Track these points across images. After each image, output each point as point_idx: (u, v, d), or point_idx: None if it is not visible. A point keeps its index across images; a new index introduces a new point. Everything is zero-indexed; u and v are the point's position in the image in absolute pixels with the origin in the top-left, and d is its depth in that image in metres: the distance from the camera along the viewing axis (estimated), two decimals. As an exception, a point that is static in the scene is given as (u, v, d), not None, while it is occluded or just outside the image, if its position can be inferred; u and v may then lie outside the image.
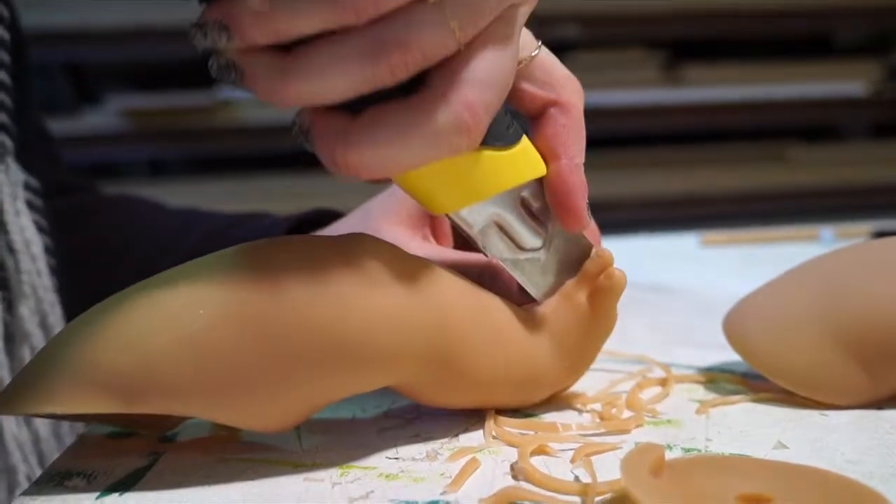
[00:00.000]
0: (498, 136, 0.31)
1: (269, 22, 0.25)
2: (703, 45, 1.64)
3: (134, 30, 1.43)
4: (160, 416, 0.33)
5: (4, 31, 0.44)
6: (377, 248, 0.31)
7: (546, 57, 0.35)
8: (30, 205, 0.45)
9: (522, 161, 0.33)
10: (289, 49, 0.26)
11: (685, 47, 1.61)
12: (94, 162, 1.64)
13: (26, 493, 0.30)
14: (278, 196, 1.39)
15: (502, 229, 0.34)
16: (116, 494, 0.30)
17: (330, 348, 0.30)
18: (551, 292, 0.36)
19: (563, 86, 0.34)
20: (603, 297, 0.35)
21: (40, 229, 0.45)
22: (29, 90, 0.49)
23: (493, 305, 0.34)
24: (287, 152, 1.41)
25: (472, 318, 0.33)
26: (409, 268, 0.32)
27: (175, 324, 0.29)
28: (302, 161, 1.36)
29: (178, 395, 0.29)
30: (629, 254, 0.71)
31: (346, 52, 0.26)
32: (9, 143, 0.43)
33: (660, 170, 1.60)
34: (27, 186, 0.45)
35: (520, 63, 0.33)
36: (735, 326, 0.39)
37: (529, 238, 0.34)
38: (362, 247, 0.31)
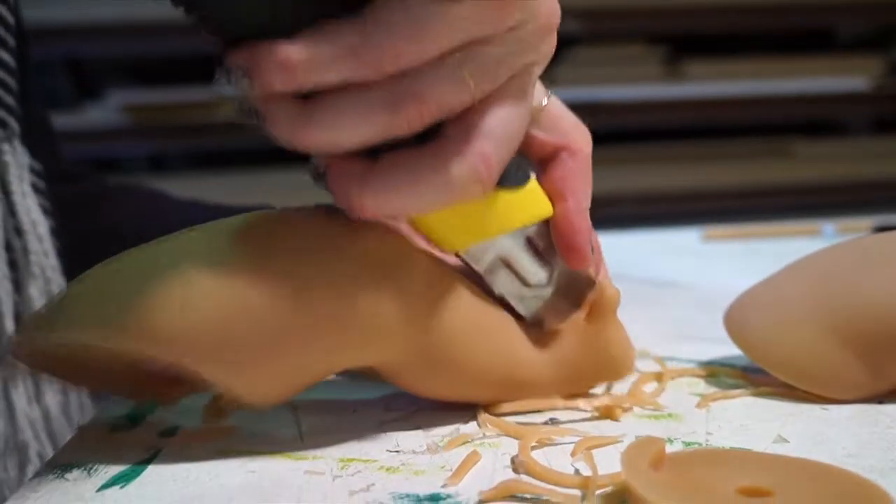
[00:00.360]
0: (507, 177, 0.32)
1: (291, 73, 0.26)
2: (705, 40, 1.64)
3: (134, 25, 1.43)
4: (166, 379, 0.34)
5: (8, 14, 0.44)
6: (385, 235, 0.32)
7: (555, 105, 0.36)
8: (34, 188, 0.45)
9: (530, 202, 0.34)
10: (309, 96, 0.27)
11: (687, 42, 1.61)
12: (95, 157, 1.64)
13: (27, 485, 0.30)
14: (279, 191, 1.39)
15: (508, 266, 0.35)
16: (117, 487, 0.30)
17: (323, 321, 0.31)
18: (555, 324, 0.36)
19: (571, 132, 0.36)
20: (598, 314, 0.36)
21: (45, 212, 0.46)
22: (30, 80, 0.50)
23: (489, 306, 0.35)
24: (287, 147, 1.41)
25: (467, 314, 0.34)
26: (412, 255, 0.33)
27: (188, 281, 0.30)
28: (303, 157, 1.36)
29: (181, 345, 0.30)
30: (631, 248, 0.71)
31: (365, 103, 0.27)
32: (14, 125, 0.44)
33: (661, 165, 1.60)
34: (31, 170, 0.45)
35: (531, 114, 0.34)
36: (736, 320, 0.39)
37: (535, 275, 0.35)
38: (373, 232, 0.32)
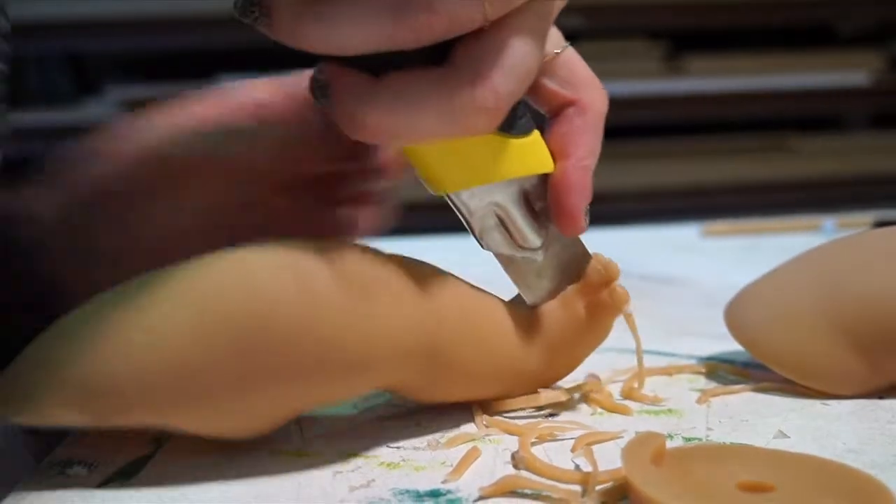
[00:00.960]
0: (510, 123, 0.31)
1: None
2: (706, 35, 1.63)
3: (134, 20, 1.43)
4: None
5: None
6: (362, 255, 0.31)
7: (571, 56, 0.35)
8: None
9: (530, 153, 0.32)
10: None
11: (687, 38, 1.61)
12: (95, 153, 1.64)
13: (27, 482, 0.30)
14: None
15: (502, 223, 0.33)
16: (118, 483, 0.30)
17: (314, 360, 0.29)
18: (544, 297, 0.35)
19: (584, 87, 0.34)
20: (602, 312, 0.35)
21: None
22: None
23: (487, 304, 0.34)
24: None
25: (464, 319, 0.33)
26: (396, 272, 0.31)
27: (151, 338, 0.28)
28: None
29: (156, 409, 0.29)
30: (630, 244, 0.71)
31: (371, 4, 0.26)
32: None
33: (662, 160, 1.60)
34: None
35: (545, 58, 0.32)
36: (736, 316, 0.39)
37: (528, 236, 0.34)
38: (347, 254, 0.31)
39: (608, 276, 0.35)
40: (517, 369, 0.35)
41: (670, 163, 1.59)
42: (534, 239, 0.34)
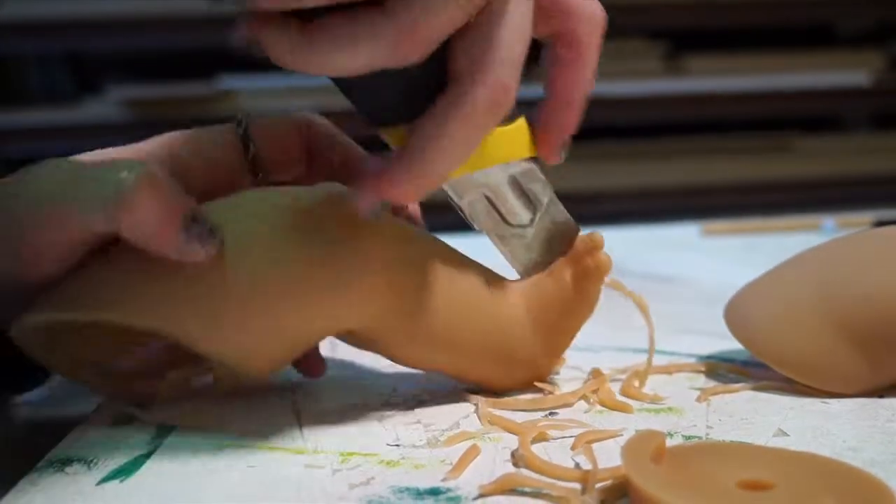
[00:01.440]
0: None
1: None
2: (706, 35, 1.63)
3: (134, 19, 1.43)
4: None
5: None
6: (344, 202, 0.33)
7: None
8: None
9: (516, 139, 0.34)
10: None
11: (687, 37, 1.61)
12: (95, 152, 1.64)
13: (26, 479, 0.30)
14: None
15: (490, 203, 0.35)
16: (117, 481, 0.30)
17: (297, 276, 0.32)
18: (533, 270, 0.36)
19: (573, 14, 0.34)
20: (587, 279, 0.36)
21: None
22: None
23: (468, 266, 0.35)
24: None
25: (445, 274, 0.34)
26: (385, 224, 0.33)
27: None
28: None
29: (167, 315, 0.31)
30: (630, 243, 0.71)
31: (362, 34, 0.27)
32: None
33: (662, 160, 1.59)
34: None
35: None
36: (736, 315, 0.39)
37: (517, 215, 0.35)
38: (344, 208, 0.33)
39: (593, 244, 0.36)
40: (505, 341, 0.35)
41: (670, 162, 1.59)
42: (522, 217, 0.35)
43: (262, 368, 0.33)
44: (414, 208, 0.40)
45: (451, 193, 0.34)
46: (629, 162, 1.57)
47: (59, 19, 1.41)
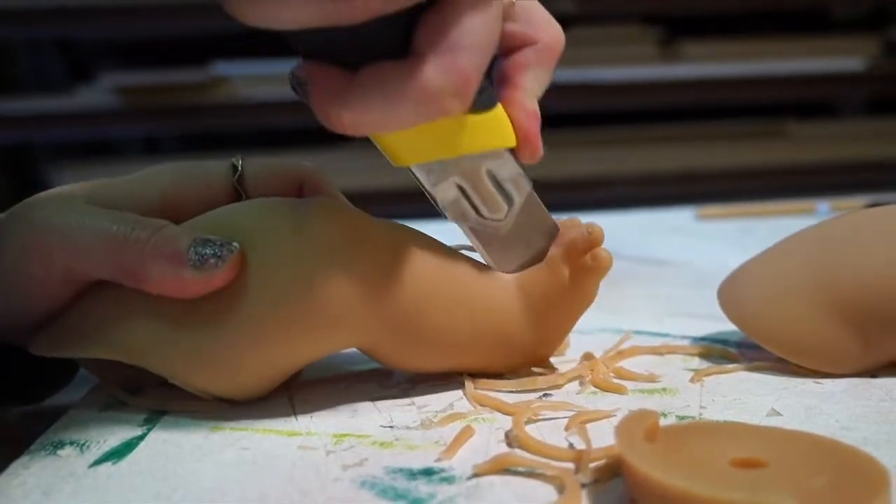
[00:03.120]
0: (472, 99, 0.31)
1: None
2: (700, 20, 1.63)
3: (126, 6, 1.42)
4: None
5: None
6: (333, 213, 0.33)
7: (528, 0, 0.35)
8: None
9: (492, 128, 0.32)
10: None
11: (682, 23, 1.60)
12: (88, 140, 1.63)
13: (19, 462, 0.30)
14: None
15: (463, 193, 0.34)
16: (110, 463, 0.30)
17: (289, 314, 0.32)
18: (510, 267, 0.36)
19: (542, 28, 0.35)
20: (586, 276, 0.35)
21: None
22: None
23: (458, 265, 0.35)
24: (281, 128, 1.41)
25: (434, 279, 0.34)
26: (367, 232, 0.33)
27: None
28: (296, 137, 1.36)
29: (157, 355, 0.32)
30: (626, 228, 0.71)
31: None
32: None
33: (657, 146, 1.59)
34: None
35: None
36: (730, 295, 0.39)
37: (491, 207, 0.34)
38: (319, 211, 0.33)
39: (593, 241, 0.35)
40: (500, 335, 0.35)
41: (665, 148, 1.59)
42: (496, 210, 0.34)
43: (250, 398, 0.34)
44: None
45: (422, 180, 0.33)
46: (624, 147, 1.57)
47: (51, 6, 1.40)
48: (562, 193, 1.40)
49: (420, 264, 0.34)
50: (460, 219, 0.34)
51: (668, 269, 0.58)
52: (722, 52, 1.58)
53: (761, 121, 1.65)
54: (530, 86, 0.34)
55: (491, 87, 0.32)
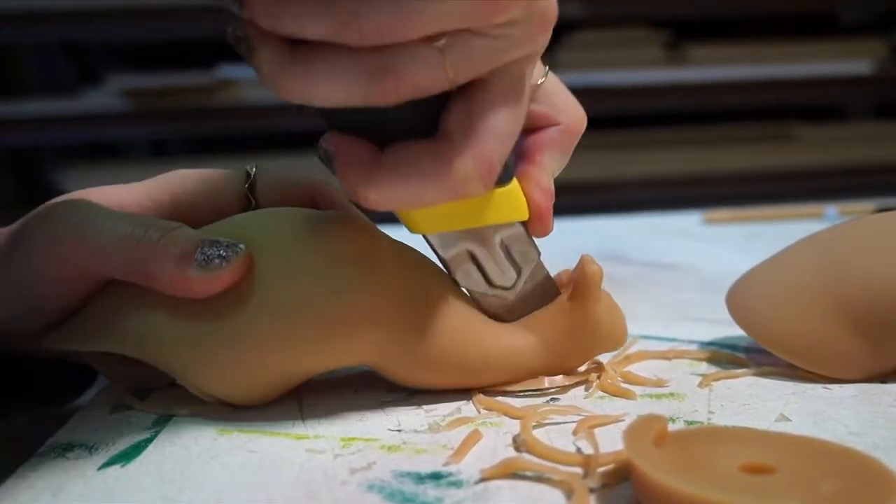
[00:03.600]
0: None
1: (275, 17, 0.26)
2: (707, 24, 1.63)
3: (134, 9, 1.43)
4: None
5: None
6: (349, 228, 0.33)
7: (552, 81, 0.37)
8: None
9: (507, 202, 0.33)
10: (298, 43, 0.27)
11: (689, 26, 1.60)
12: (95, 142, 1.64)
13: (28, 464, 0.30)
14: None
15: (475, 261, 0.34)
16: (118, 466, 0.30)
17: (301, 325, 0.32)
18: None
19: (565, 110, 0.37)
20: (581, 293, 0.35)
21: None
22: None
23: (467, 302, 0.35)
24: (287, 131, 1.41)
25: (445, 311, 0.34)
26: (380, 250, 0.34)
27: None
28: (302, 141, 1.36)
29: (170, 352, 0.33)
30: (633, 231, 0.70)
31: (343, 66, 0.27)
32: None
33: (663, 149, 1.59)
34: None
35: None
36: (738, 300, 0.39)
37: (500, 276, 0.35)
38: (335, 226, 0.33)
39: (583, 264, 0.35)
40: (511, 362, 0.35)
41: (672, 151, 1.59)
42: (506, 279, 0.35)
43: (256, 404, 0.34)
44: None
45: (435, 246, 0.34)
46: (630, 150, 1.57)
47: (58, 9, 1.40)
48: (568, 197, 1.39)
49: (432, 290, 0.34)
50: (470, 285, 0.35)
51: (675, 273, 0.57)
52: (729, 56, 1.57)
53: (768, 124, 1.65)
54: (548, 164, 0.36)
55: (510, 163, 0.33)
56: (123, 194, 0.36)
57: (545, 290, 0.36)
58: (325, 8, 0.26)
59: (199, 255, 0.31)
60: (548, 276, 0.36)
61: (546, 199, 0.34)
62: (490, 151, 0.29)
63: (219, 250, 0.32)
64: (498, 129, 0.29)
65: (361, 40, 0.26)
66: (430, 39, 0.27)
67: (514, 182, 0.33)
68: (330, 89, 0.27)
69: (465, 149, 0.29)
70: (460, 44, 0.27)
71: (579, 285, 0.35)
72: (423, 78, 0.27)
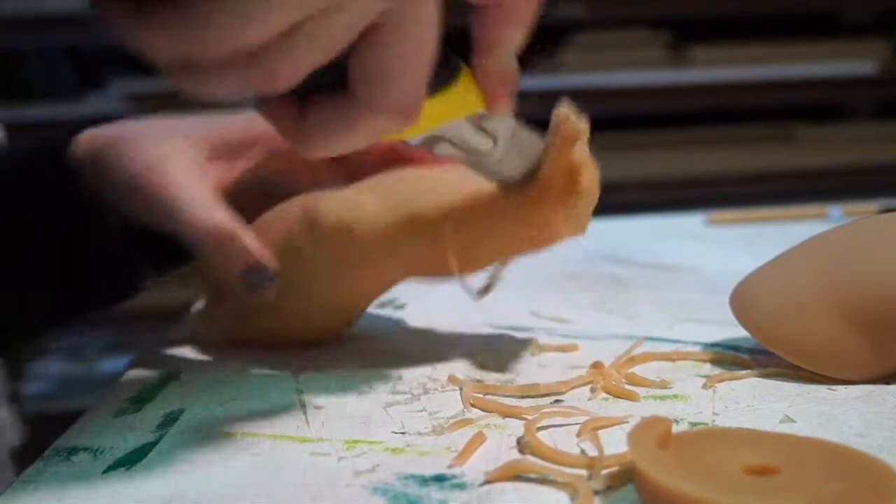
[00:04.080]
0: (432, 83, 0.30)
1: (147, 49, 0.28)
2: (709, 24, 1.63)
3: (137, 13, 1.43)
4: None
5: None
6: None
7: None
8: None
9: (455, 102, 0.33)
10: None
11: (691, 27, 1.60)
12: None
13: (33, 468, 0.30)
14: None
15: (451, 142, 0.34)
16: (123, 469, 0.30)
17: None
18: (515, 181, 0.37)
19: None
20: (560, 145, 0.36)
21: None
22: None
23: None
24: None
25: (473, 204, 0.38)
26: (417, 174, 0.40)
27: None
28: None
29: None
30: (636, 233, 0.70)
31: (227, 75, 0.27)
32: None
33: (666, 151, 1.59)
34: None
35: None
36: (742, 301, 0.39)
37: (476, 147, 0.35)
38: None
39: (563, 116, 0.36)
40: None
41: (675, 152, 1.59)
42: (481, 146, 0.35)
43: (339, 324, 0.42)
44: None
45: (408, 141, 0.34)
46: (633, 152, 1.57)
47: (61, 14, 1.41)
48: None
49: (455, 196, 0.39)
50: (453, 159, 0.35)
51: (679, 274, 0.57)
52: (731, 56, 1.57)
53: (771, 125, 1.64)
54: (503, 44, 0.34)
55: (451, 60, 0.32)
56: (177, 127, 0.43)
57: (528, 140, 0.36)
58: (177, 34, 0.26)
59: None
60: (527, 131, 0.36)
61: (499, 84, 0.34)
62: (407, 97, 0.28)
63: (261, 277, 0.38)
64: (410, 71, 0.28)
65: (223, 54, 0.26)
66: (294, 27, 0.26)
67: (464, 77, 0.33)
68: (226, 94, 0.28)
69: (373, 106, 0.28)
70: (326, 20, 0.26)
71: (560, 138, 0.36)
72: (302, 65, 0.27)
